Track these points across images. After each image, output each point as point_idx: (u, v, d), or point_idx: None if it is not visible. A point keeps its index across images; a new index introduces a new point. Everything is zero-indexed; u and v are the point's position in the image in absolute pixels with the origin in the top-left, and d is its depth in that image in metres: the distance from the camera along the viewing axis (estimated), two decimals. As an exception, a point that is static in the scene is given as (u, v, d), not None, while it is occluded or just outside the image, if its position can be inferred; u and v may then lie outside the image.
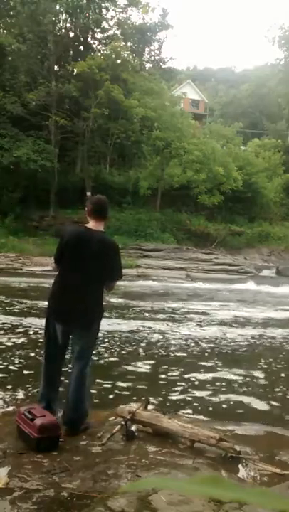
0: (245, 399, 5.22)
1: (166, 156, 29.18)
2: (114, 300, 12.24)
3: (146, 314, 11.01)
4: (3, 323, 8.61)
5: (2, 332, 7.98)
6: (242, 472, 3.17)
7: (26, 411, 3.36)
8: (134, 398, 4.69)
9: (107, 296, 3.80)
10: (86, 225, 3.66)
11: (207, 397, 5.23)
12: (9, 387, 5.12)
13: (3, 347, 6.95)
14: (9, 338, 7.47)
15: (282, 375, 6.38)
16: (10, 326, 8.47)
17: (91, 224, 3.62)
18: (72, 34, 30.43)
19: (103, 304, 3.72)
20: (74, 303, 3.52)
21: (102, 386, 5.29)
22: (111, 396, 5.06)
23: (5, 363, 6.05)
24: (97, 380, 5.19)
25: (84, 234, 3.59)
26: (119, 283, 3.92)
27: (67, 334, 3.60)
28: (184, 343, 8.01)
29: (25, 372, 5.72)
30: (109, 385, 5.39)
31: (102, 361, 6.44)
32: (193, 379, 5.87)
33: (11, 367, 5.92)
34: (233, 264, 25.47)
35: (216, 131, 33.32)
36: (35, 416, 3.29)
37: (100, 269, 3.53)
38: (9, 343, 7.17)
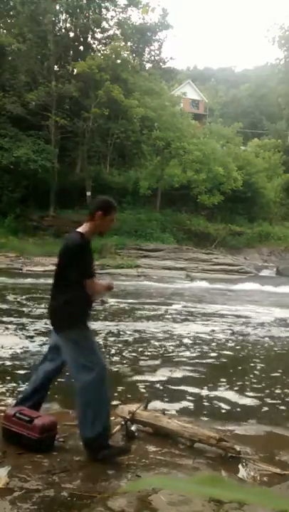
0: (246, 399, 5.21)
1: (166, 156, 29.19)
2: (112, 301, 12.21)
3: (150, 315, 11.00)
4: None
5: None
6: (242, 472, 3.16)
7: (18, 413, 3.25)
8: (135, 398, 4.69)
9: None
10: None
11: (208, 397, 5.22)
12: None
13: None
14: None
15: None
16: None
17: None
18: (72, 34, 30.44)
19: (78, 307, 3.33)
20: (50, 303, 3.47)
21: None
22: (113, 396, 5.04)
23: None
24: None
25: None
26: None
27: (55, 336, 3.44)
28: (188, 342, 8.00)
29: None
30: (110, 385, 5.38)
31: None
32: (195, 379, 5.86)
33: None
34: (233, 264, 25.45)
35: (216, 131, 33.28)
36: (31, 417, 3.20)
37: (59, 268, 3.35)
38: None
